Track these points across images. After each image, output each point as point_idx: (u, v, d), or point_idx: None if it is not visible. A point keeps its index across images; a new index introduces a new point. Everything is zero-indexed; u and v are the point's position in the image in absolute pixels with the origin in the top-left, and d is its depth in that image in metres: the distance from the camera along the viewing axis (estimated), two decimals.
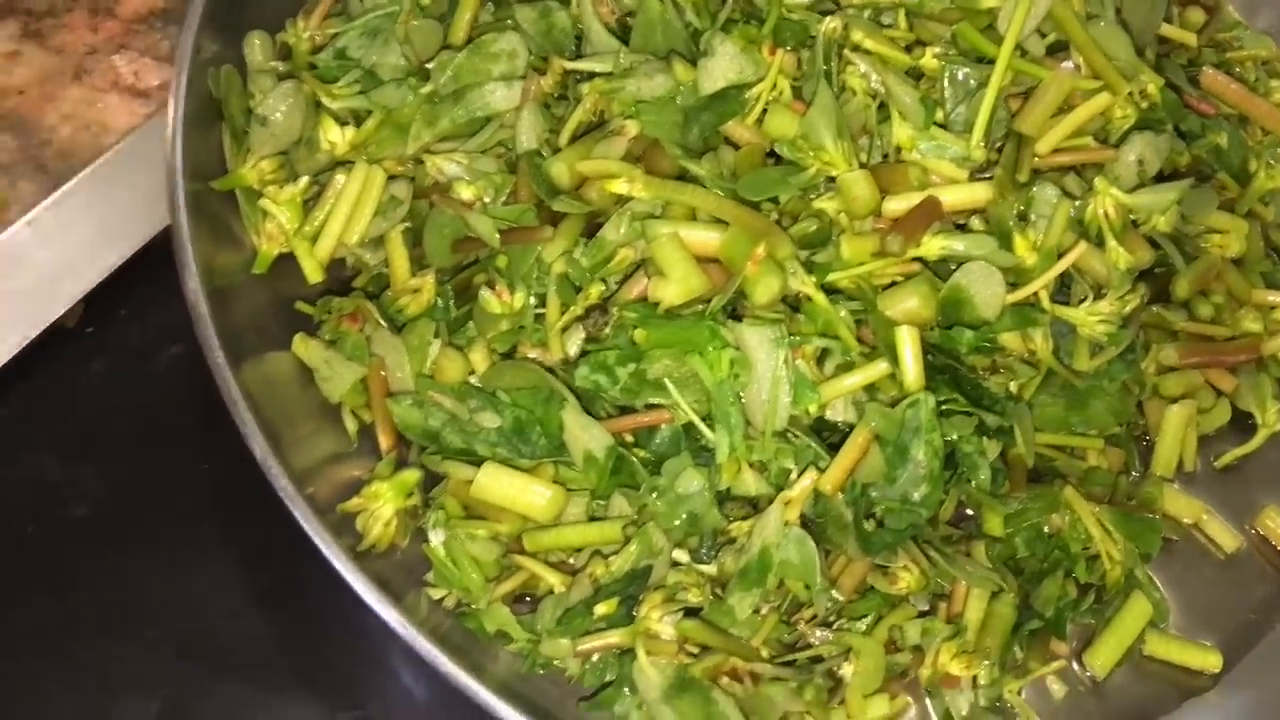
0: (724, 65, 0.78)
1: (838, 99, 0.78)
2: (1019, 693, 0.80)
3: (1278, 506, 0.89)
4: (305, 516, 0.68)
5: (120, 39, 1.03)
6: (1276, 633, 0.86)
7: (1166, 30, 0.92)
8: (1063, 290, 0.81)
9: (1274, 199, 0.94)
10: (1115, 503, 0.84)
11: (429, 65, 0.83)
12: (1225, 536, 0.88)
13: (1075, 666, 0.84)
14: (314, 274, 0.83)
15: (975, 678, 0.79)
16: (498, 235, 0.79)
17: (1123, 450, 0.87)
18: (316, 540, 0.67)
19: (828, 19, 0.79)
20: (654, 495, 0.74)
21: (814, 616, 0.77)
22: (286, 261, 0.84)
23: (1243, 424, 0.91)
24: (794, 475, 0.74)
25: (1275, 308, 0.91)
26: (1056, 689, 0.81)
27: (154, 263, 0.87)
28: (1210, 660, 0.84)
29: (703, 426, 0.74)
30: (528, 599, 0.80)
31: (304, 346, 0.82)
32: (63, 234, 0.90)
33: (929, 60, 0.79)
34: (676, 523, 0.74)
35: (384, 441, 0.81)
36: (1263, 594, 0.88)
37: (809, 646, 0.77)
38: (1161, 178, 0.84)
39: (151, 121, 0.94)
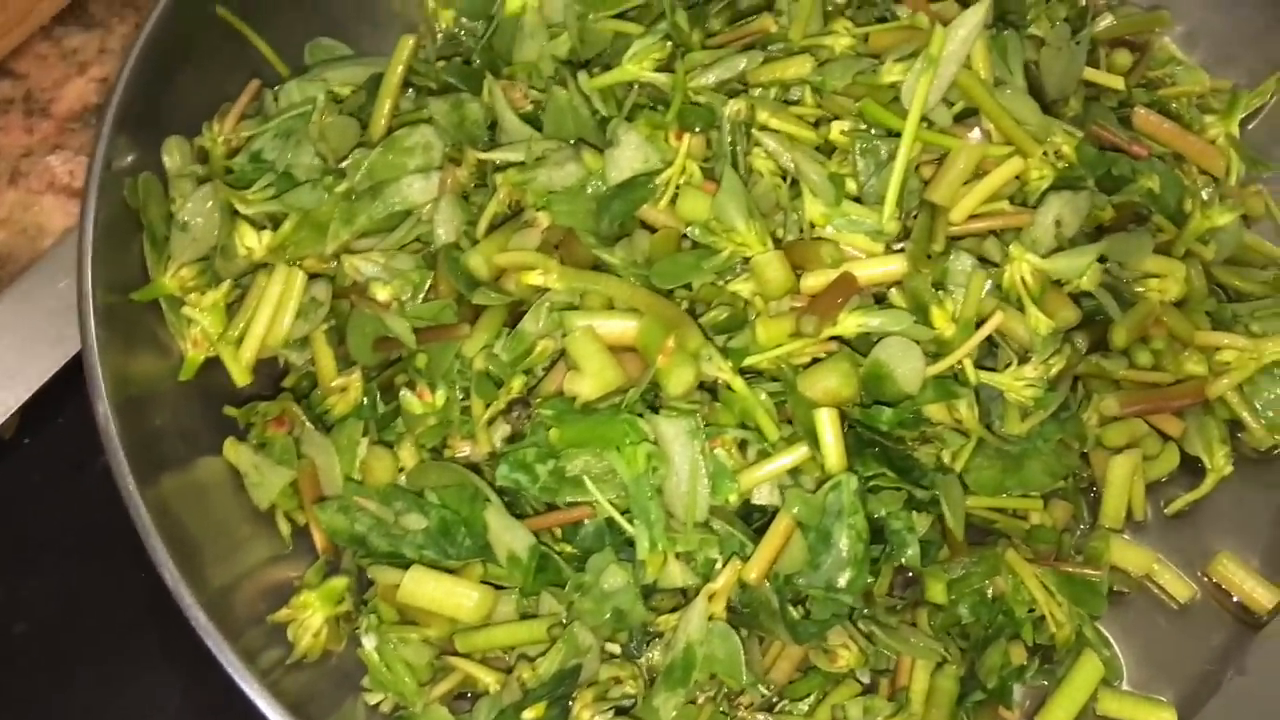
0: (630, 154, 0.78)
1: (747, 179, 0.77)
2: None
3: (1230, 552, 0.88)
4: (218, 647, 0.68)
5: (55, 139, 1.04)
6: (1233, 683, 0.85)
7: (1092, 75, 0.91)
8: (991, 355, 0.80)
9: (1214, 237, 0.92)
10: (1061, 559, 0.84)
11: (344, 164, 0.83)
12: (1178, 586, 0.87)
13: None
14: (241, 378, 0.83)
15: None
16: (414, 336, 0.78)
17: (1070, 504, 0.86)
18: (230, 670, 0.67)
19: (732, 101, 0.78)
20: (579, 593, 0.74)
21: (752, 703, 0.77)
22: (217, 365, 0.85)
23: (1193, 468, 0.90)
24: (719, 565, 0.74)
25: (1219, 349, 0.89)
26: None
27: None
28: (1165, 717, 0.83)
29: (623, 522, 0.73)
30: (469, 695, 0.80)
31: (234, 451, 0.82)
32: None
33: (837, 135, 0.79)
34: (603, 620, 0.74)
35: (319, 544, 0.82)
36: (1218, 643, 0.87)
37: None
38: (1101, 229, 0.84)
39: None
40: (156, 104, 0.84)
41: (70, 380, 0.89)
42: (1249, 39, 1.00)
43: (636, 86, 0.82)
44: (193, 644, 0.79)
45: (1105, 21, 0.97)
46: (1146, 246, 0.87)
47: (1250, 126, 0.98)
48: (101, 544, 0.88)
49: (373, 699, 0.78)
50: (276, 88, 0.88)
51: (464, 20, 0.94)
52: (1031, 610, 0.82)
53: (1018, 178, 0.79)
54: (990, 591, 0.82)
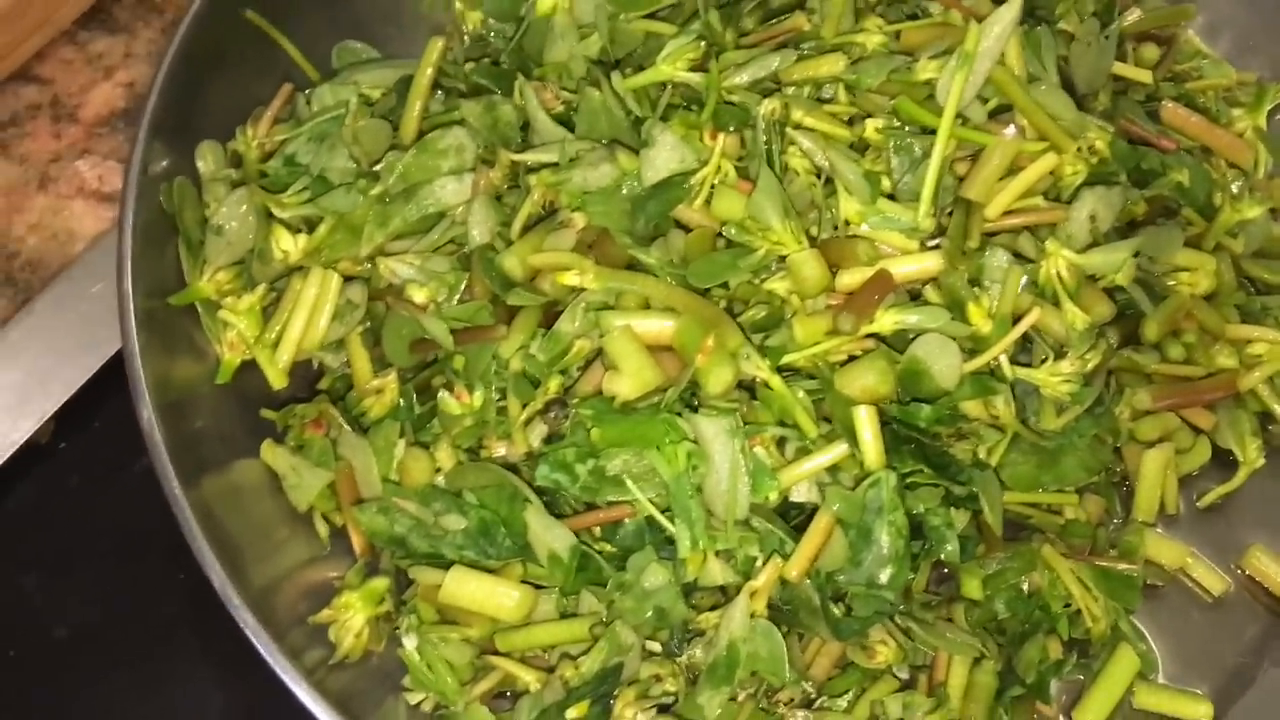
0: (665, 155, 0.78)
1: (782, 178, 0.77)
2: None
3: (1263, 545, 0.88)
4: (267, 647, 0.68)
5: (83, 144, 1.04)
6: (1268, 675, 0.85)
7: (1121, 69, 0.91)
8: (1026, 350, 0.81)
9: (1243, 230, 0.92)
10: (1096, 554, 0.84)
11: (378, 166, 0.83)
12: (1212, 579, 0.87)
13: None
14: (277, 380, 0.83)
15: None
16: (451, 338, 0.79)
17: (1103, 499, 0.86)
18: (278, 670, 0.68)
19: (766, 100, 0.78)
20: (620, 592, 0.74)
21: (792, 699, 0.77)
22: (254, 367, 0.85)
23: (1224, 461, 0.90)
24: (759, 563, 0.74)
25: (1250, 341, 0.90)
26: None
27: (124, 372, 0.87)
28: (1202, 710, 0.83)
29: (664, 521, 0.73)
30: (508, 695, 0.80)
31: (271, 453, 0.83)
32: (32, 349, 0.91)
33: (872, 133, 0.79)
34: (644, 618, 0.74)
35: (357, 545, 0.82)
36: (1252, 636, 0.87)
37: None
38: (1133, 224, 0.84)
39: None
40: (190, 108, 0.84)
41: (104, 385, 0.90)
42: (1272, 30, 1.00)
43: (670, 87, 0.82)
44: (232, 645, 0.80)
45: (1132, 16, 0.97)
46: (1177, 240, 0.87)
47: (1278, 118, 0.98)
48: (138, 547, 0.89)
49: (414, 698, 0.78)
50: (308, 91, 0.88)
51: (491, 21, 0.94)
52: (1067, 605, 0.82)
53: (1052, 174, 0.79)
54: (1026, 587, 0.82)
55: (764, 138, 0.78)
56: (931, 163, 0.75)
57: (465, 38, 0.95)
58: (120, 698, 0.85)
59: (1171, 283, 0.87)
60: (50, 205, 1.01)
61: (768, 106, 0.78)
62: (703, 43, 0.82)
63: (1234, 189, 0.93)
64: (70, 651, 0.86)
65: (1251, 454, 0.89)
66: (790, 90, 0.80)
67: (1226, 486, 0.89)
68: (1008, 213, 0.79)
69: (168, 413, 0.76)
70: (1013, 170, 0.79)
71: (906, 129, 0.78)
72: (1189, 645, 0.86)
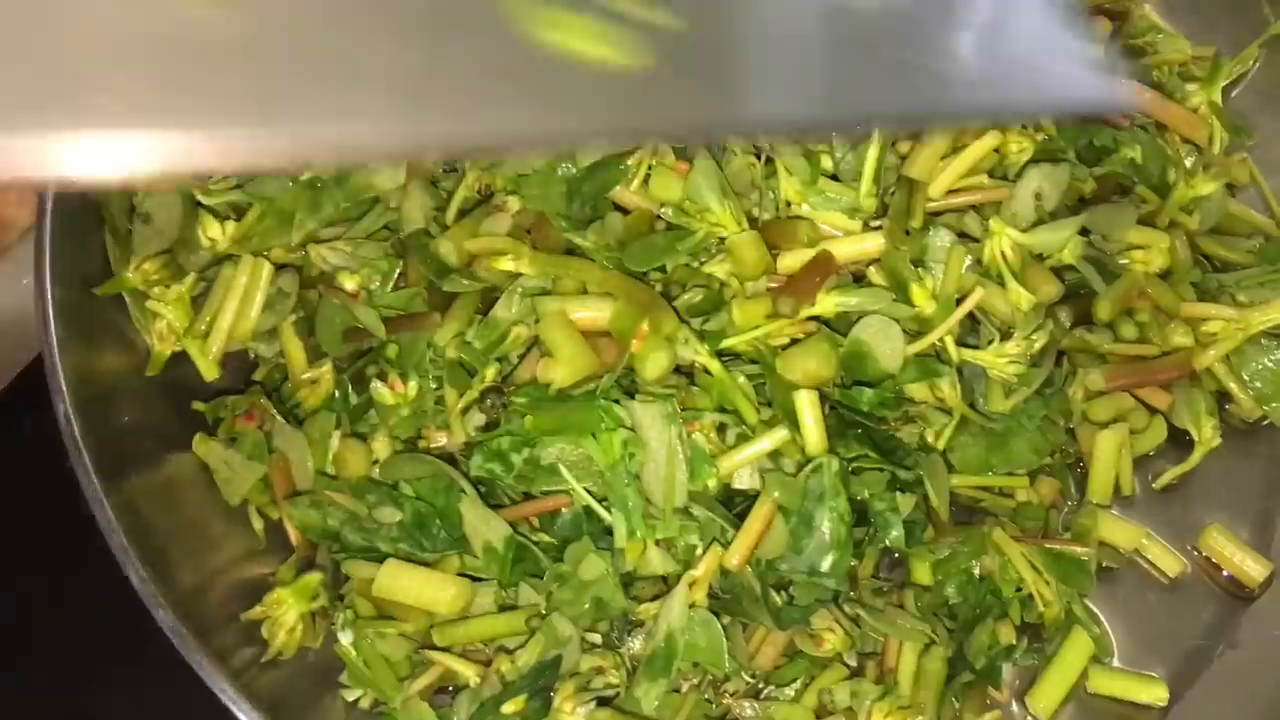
0: None
1: (720, 159, 0.76)
2: None
3: (1220, 525, 0.87)
4: (186, 647, 0.66)
5: None
6: (1225, 658, 0.84)
7: None
8: (974, 332, 0.79)
9: (1198, 206, 0.91)
10: (1049, 537, 0.82)
11: None
12: (1168, 560, 0.86)
13: (1019, 708, 0.82)
14: (209, 372, 0.82)
15: None
16: (384, 326, 0.77)
17: (1056, 481, 0.85)
18: (199, 671, 0.66)
19: None
20: (557, 583, 0.72)
21: (738, 690, 0.76)
22: (186, 359, 0.83)
23: (1180, 441, 0.88)
24: (699, 551, 0.72)
25: (1206, 320, 0.88)
26: None
27: None
28: (1157, 693, 0.82)
29: (601, 510, 0.72)
30: (450, 690, 0.78)
31: (204, 447, 0.81)
32: None
33: None
34: (582, 610, 0.72)
35: (294, 539, 0.80)
36: (1209, 617, 0.86)
37: (737, 719, 0.76)
38: (1083, 201, 0.82)
39: None
40: None
41: (36, 380, 0.87)
42: (1229, 4, 0.99)
43: None
44: (165, 646, 0.78)
45: None
46: (1130, 217, 0.86)
47: (1234, 94, 0.97)
48: (70, 546, 0.87)
49: (351, 695, 0.77)
50: None
51: None
52: (1019, 589, 0.81)
53: (997, 151, 0.78)
54: (977, 571, 0.81)
55: None
56: (873, 141, 0.74)
57: None
58: (49, 699, 0.83)
59: (1125, 261, 0.86)
60: None
61: None
62: None
63: (1188, 165, 0.91)
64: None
65: (1207, 433, 0.87)
66: None
67: (1182, 467, 0.88)
68: (951, 192, 0.78)
69: (92, 406, 0.74)
70: (956, 149, 0.77)
71: None
72: (1145, 628, 0.85)
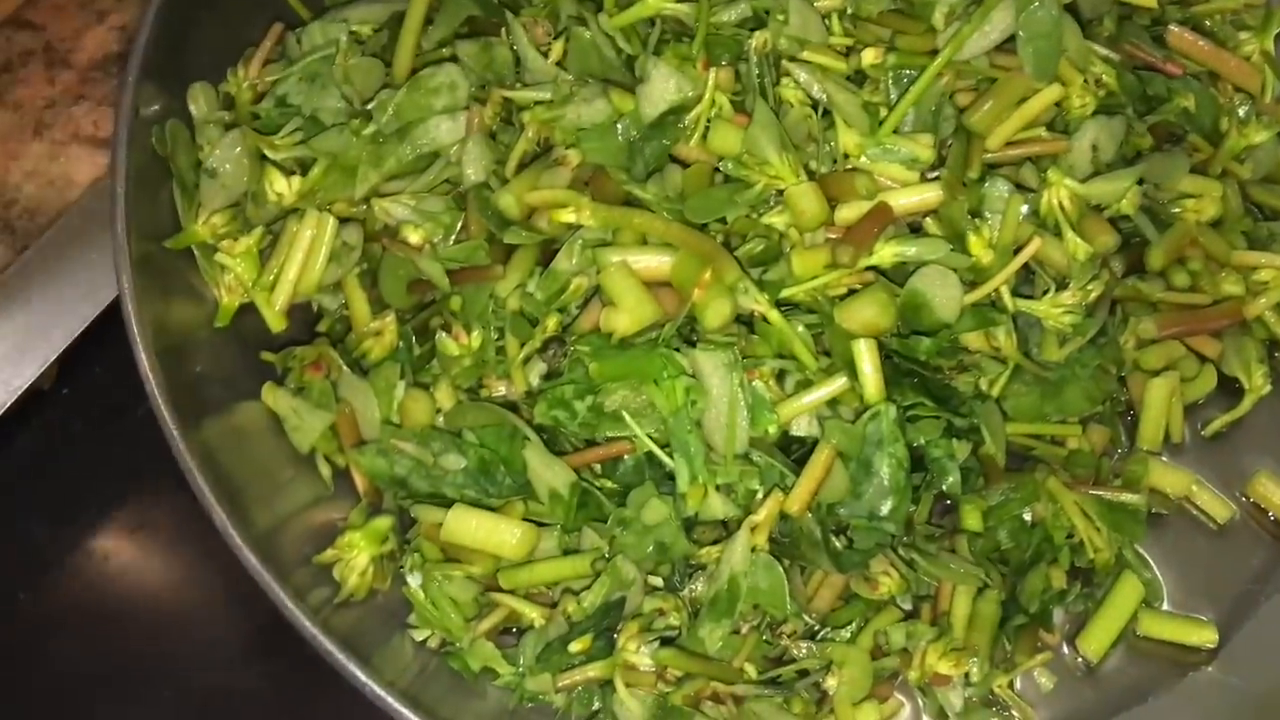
0: (661, 87, 0.77)
1: (778, 111, 0.76)
2: (1010, 685, 0.80)
3: (1269, 472, 0.88)
4: (269, 586, 0.69)
5: (78, 89, 1.03)
6: (1273, 602, 0.85)
7: None
8: (1028, 282, 0.80)
9: (1250, 155, 0.91)
10: (1100, 484, 0.83)
11: (370, 106, 0.82)
12: (1217, 507, 0.87)
13: (1069, 651, 0.84)
14: (275, 323, 0.83)
15: (966, 675, 0.78)
16: (447, 278, 0.78)
17: (1107, 429, 0.86)
18: (284, 608, 0.68)
19: (757, 33, 0.77)
20: (620, 527, 0.74)
21: (795, 631, 0.77)
22: (253, 311, 0.85)
23: (1230, 389, 0.89)
24: (760, 496, 0.74)
25: (1257, 268, 0.88)
26: (1044, 681, 0.81)
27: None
28: (1206, 635, 0.84)
29: (663, 455, 0.73)
30: (514, 631, 0.81)
31: (272, 396, 0.83)
32: (32, 296, 0.91)
33: (870, 60, 0.77)
34: (645, 553, 0.74)
35: (360, 486, 0.82)
36: (1258, 562, 0.87)
37: (794, 660, 0.78)
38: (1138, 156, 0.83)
39: None
40: (180, 50, 0.83)
41: (106, 330, 0.90)
42: None
43: (659, 21, 0.80)
44: (240, 586, 0.81)
45: None
46: (1183, 166, 0.86)
47: None
48: (145, 490, 0.89)
49: (419, 635, 0.79)
50: (298, 30, 0.87)
51: None
52: (1070, 536, 0.82)
53: (1059, 105, 0.78)
54: (1029, 518, 0.82)
55: (755, 70, 0.77)
56: (921, 81, 0.74)
57: None
58: (128, 641, 0.86)
59: (1177, 210, 0.86)
60: (46, 152, 1.00)
61: (759, 38, 0.77)
62: None
63: (1241, 114, 0.91)
64: (78, 596, 0.87)
65: (1258, 381, 0.88)
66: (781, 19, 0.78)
67: (1232, 414, 0.89)
68: (1009, 144, 0.78)
69: (166, 356, 0.76)
70: (1018, 101, 0.77)
71: (906, 58, 0.77)
72: (1194, 573, 0.86)
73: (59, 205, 0.99)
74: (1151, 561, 0.85)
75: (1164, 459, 0.88)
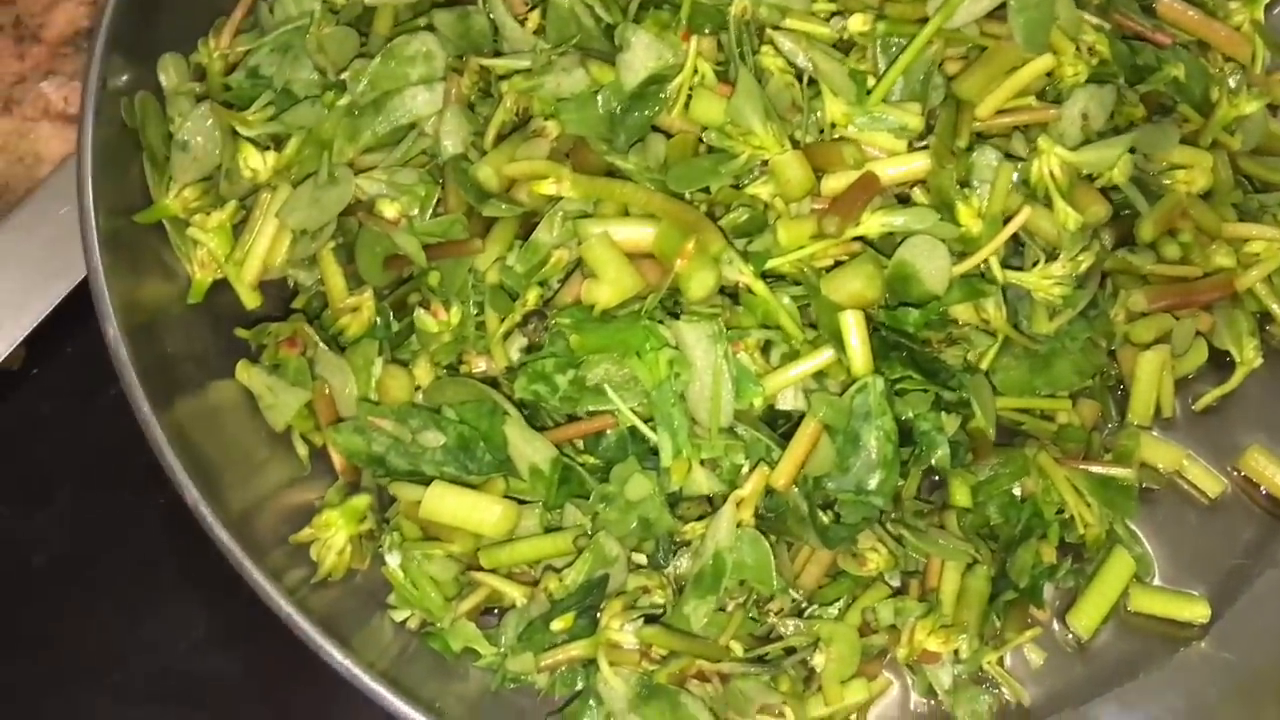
0: (641, 55, 0.75)
1: (762, 80, 0.75)
2: (1000, 662, 0.79)
3: (1261, 446, 0.87)
4: (243, 567, 0.67)
5: (48, 65, 1.01)
6: (1265, 577, 0.85)
7: None
8: (1018, 254, 0.79)
9: (1240, 126, 0.90)
10: (1090, 458, 0.82)
11: (344, 76, 0.81)
12: (1208, 481, 0.86)
13: (1059, 627, 0.83)
14: (250, 300, 0.82)
15: (955, 651, 0.77)
16: (424, 253, 0.77)
17: (1097, 403, 0.85)
18: (258, 589, 0.67)
19: (737, 1, 0.75)
20: (603, 504, 0.73)
21: (782, 608, 0.76)
22: (227, 287, 0.83)
23: (1221, 362, 0.88)
24: (745, 471, 0.72)
25: (1248, 240, 0.87)
26: (1034, 657, 0.80)
27: None
28: (1198, 610, 0.83)
29: (646, 430, 0.72)
30: (495, 611, 0.79)
31: (247, 373, 0.81)
32: (0, 274, 0.89)
33: (858, 28, 0.76)
34: (629, 529, 0.73)
35: (337, 465, 0.81)
36: (1249, 537, 0.86)
37: (781, 637, 0.76)
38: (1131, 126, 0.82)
39: None
40: (150, 21, 0.81)
41: (76, 309, 0.88)
42: None
43: None
44: (214, 568, 0.79)
45: None
46: (1173, 137, 0.85)
47: (1276, 11, 0.95)
48: (114, 472, 0.87)
49: (399, 615, 0.77)
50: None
51: None
52: (1060, 511, 0.81)
53: (1050, 74, 0.77)
54: (1019, 493, 0.81)
55: (735, 39, 0.75)
56: (908, 55, 0.73)
57: None
58: (101, 624, 0.84)
59: (1167, 181, 0.85)
60: (15, 128, 0.98)
61: (738, 6, 0.75)
62: None
63: (1231, 84, 0.90)
64: (48, 579, 0.85)
65: (1249, 354, 0.87)
66: None
67: (1223, 388, 0.88)
68: (999, 112, 0.77)
69: (137, 333, 0.75)
70: (1008, 70, 0.76)
71: (894, 25, 0.75)
72: (1185, 548, 0.85)
73: (28, 182, 0.97)
74: (1142, 537, 0.84)
75: (1155, 433, 0.87)
